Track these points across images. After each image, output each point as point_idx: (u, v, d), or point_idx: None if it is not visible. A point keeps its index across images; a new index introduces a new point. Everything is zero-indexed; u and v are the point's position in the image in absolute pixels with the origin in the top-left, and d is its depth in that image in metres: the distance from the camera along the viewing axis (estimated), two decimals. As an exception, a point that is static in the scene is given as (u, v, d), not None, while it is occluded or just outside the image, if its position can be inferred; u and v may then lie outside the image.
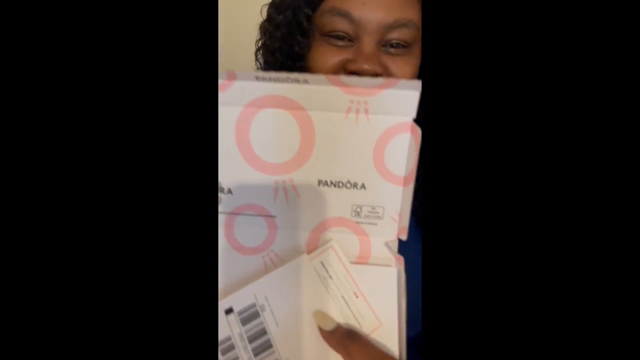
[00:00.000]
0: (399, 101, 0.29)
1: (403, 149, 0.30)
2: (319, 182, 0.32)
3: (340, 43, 0.41)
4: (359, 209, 0.33)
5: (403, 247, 0.34)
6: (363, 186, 0.32)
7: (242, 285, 0.34)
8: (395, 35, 0.41)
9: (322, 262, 0.34)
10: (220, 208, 0.34)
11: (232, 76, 0.29)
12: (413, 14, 0.41)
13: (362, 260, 0.34)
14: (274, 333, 0.33)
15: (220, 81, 0.29)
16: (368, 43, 0.40)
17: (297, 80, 0.29)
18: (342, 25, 0.40)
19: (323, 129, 0.30)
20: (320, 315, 0.33)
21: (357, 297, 0.33)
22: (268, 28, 0.47)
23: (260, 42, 0.51)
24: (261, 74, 0.30)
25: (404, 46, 0.41)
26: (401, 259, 0.34)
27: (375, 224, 0.33)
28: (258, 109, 0.30)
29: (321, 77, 0.29)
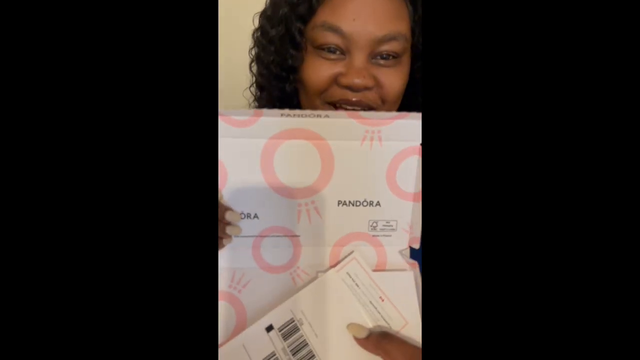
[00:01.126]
0: (409, 129, 0.36)
1: (412, 170, 0.37)
2: (339, 202, 0.38)
3: (332, 56, 0.43)
4: (375, 224, 0.39)
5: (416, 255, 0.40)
6: (378, 204, 0.38)
7: (274, 303, 0.37)
8: (385, 48, 0.42)
9: (348, 273, 0.38)
10: (247, 232, 0.38)
11: (259, 113, 0.35)
12: (402, 27, 0.42)
13: (380, 267, 0.39)
14: (315, 344, 0.35)
15: (246, 117, 0.35)
16: (359, 57, 0.42)
17: (318, 116, 0.36)
18: (333, 39, 0.41)
19: (341, 155, 0.37)
20: (353, 326, 0.36)
21: (382, 300, 0.37)
22: (261, 41, 0.48)
23: (253, 52, 0.51)
24: (286, 111, 0.35)
25: (393, 57, 0.43)
26: (415, 263, 0.39)
27: (390, 235, 0.39)
28: (282, 140, 0.36)
29: (340, 113, 0.37)
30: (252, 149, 0.36)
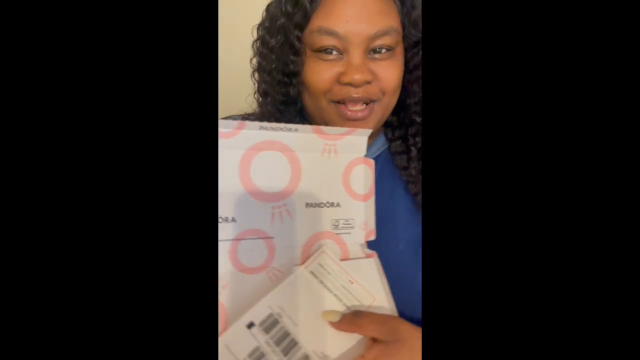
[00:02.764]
0: (356, 143, 0.43)
1: (360, 176, 0.43)
2: (306, 204, 0.42)
3: (331, 57, 0.46)
4: (337, 223, 0.43)
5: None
6: (338, 204, 0.43)
7: (253, 302, 0.39)
8: (379, 43, 0.45)
9: (320, 264, 0.41)
10: (225, 236, 0.40)
11: (241, 125, 0.39)
12: (392, 21, 0.46)
13: (344, 258, 0.43)
14: (296, 333, 0.37)
15: (228, 130, 0.39)
16: (356, 54, 0.45)
17: (289, 129, 0.41)
18: (330, 41, 0.44)
19: (306, 164, 0.42)
20: (326, 313, 0.39)
21: (352, 283, 0.40)
22: (262, 50, 0.51)
23: (254, 61, 0.54)
24: (265, 124, 0.40)
25: (387, 49, 0.46)
26: (373, 253, 0.44)
27: (349, 233, 0.44)
28: (258, 151, 0.40)
29: (307, 127, 0.41)
30: (232, 158, 0.39)
